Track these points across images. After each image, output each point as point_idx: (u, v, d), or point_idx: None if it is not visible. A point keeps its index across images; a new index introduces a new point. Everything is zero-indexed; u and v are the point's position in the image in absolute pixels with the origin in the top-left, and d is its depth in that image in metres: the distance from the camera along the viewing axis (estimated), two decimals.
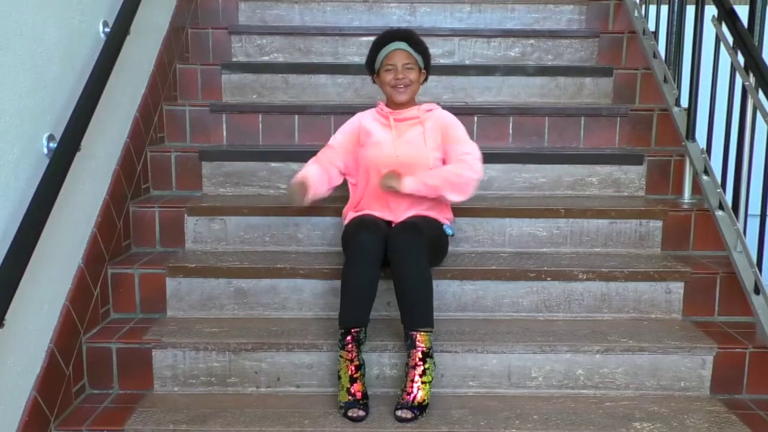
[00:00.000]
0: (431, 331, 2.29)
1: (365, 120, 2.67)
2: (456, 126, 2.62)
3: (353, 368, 2.26)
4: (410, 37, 2.59)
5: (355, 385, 2.25)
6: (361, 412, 2.20)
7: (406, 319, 2.30)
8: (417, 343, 2.26)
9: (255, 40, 3.77)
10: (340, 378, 2.28)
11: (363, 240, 2.33)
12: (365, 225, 2.41)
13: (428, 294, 2.31)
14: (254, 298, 2.64)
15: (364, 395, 2.25)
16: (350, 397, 2.23)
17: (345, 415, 2.20)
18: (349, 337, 2.28)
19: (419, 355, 2.25)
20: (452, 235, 2.64)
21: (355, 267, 2.32)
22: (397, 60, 2.54)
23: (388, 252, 2.35)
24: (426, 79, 2.68)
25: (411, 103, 2.64)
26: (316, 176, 2.57)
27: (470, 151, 2.52)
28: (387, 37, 2.60)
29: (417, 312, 2.28)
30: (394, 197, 2.53)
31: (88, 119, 2.27)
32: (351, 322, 2.30)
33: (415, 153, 2.55)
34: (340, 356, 2.30)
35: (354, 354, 2.28)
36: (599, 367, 2.42)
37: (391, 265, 2.34)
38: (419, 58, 2.59)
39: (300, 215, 2.82)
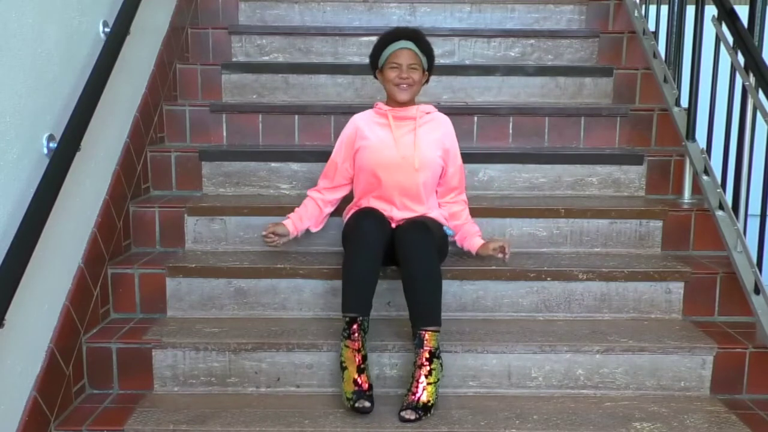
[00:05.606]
0: (438, 331, 2.29)
1: (361, 122, 2.66)
2: (456, 147, 2.68)
3: (360, 358, 2.23)
4: (418, 38, 2.59)
5: (362, 375, 2.21)
6: (367, 403, 2.17)
7: (415, 318, 2.29)
8: (425, 342, 2.25)
9: (255, 40, 3.77)
10: (345, 369, 2.23)
11: (367, 228, 2.35)
12: (369, 215, 2.43)
13: (437, 292, 2.31)
14: (254, 298, 2.64)
15: (371, 387, 2.23)
16: (357, 388, 2.19)
17: (353, 407, 2.17)
18: (355, 326, 2.25)
19: (426, 354, 2.24)
20: (453, 236, 2.65)
21: (359, 254, 2.32)
22: (403, 59, 2.54)
23: (397, 250, 2.35)
24: (428, 81, 2.69)
25: (411, 102, 2.64)
26: (304, 215, 2.62)
27: (465, 197, 2.71)
28: (395, 34, 2.59)
29: (426, 310, 2.28)
30: (398, 195, 2.55)
31: (88, 119, 2.27)
32: (356, 308, 2.27)
33: (415, 152, 2.56)
34: (345, 346, 2.26)
35: (360, 344, 2.25)
36: (599, 367, 2.42)
37: (400, 264, 2.35)
38: (424, 60, 2.59)
39: None
